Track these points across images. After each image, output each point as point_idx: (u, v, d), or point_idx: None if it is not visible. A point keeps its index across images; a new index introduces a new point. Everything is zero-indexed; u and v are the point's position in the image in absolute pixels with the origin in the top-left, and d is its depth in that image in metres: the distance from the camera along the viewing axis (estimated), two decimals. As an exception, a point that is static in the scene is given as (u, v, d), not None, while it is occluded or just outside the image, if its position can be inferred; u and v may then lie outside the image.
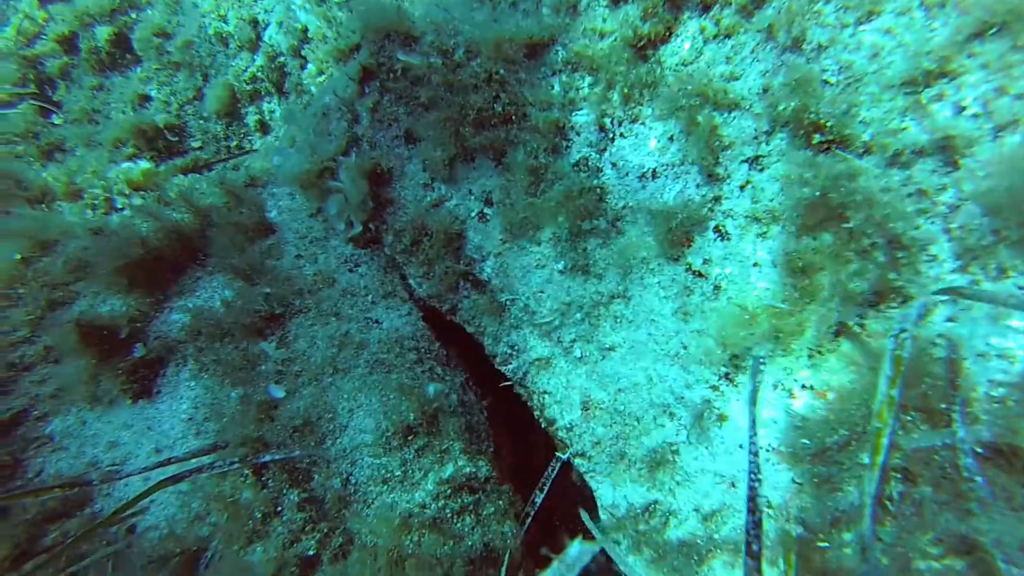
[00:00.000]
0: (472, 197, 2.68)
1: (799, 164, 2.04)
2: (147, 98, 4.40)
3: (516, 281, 2.62)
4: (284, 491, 2.28)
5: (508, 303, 2.64)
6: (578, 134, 2.53)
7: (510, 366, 2.65)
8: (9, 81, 5.08)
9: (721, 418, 2.32)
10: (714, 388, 2.33)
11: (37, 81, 5.06)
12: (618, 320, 2.49)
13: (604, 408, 2.51)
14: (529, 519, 2.58)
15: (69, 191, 3.86)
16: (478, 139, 2.51)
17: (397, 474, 2.31)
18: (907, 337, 1.73)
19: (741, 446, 2.27)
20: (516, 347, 2.64)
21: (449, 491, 2.31)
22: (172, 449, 2.53)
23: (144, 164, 3.48)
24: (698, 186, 2.33)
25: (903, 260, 1.94)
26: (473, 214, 2.68)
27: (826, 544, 1.97)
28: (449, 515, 2.29)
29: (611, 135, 2.49)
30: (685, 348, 2.38)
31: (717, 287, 2.30)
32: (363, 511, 2.26)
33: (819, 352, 2.14)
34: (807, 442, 2.08)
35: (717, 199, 2.29)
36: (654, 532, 2.44)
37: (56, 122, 4.66)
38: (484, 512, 2.37)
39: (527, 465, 3.15)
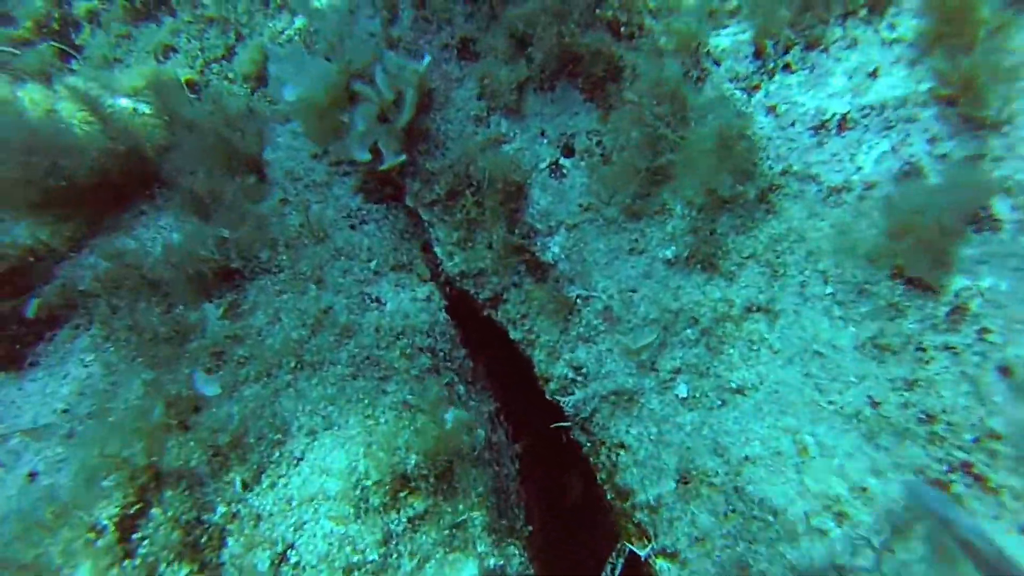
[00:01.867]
0: (544, 141, 1.68)
1: None
2: (173, 50, 3.71)
3: (595, 269, 1.59)
4: (165, 563, 1.18)
5: (579, 301, 1.60)
6: (717, 63, 1.55)
7: (571, 398, 1.57)
8: (33, 18, 4.47)
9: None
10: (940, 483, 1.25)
11: (62, 21, 4.45)
12: (755, 346, 1.44)
13: (717, 484, 1.42)
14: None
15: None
16: (584, 41, 1.53)
17: (372, 559, 1.21)
18: None
19: (980, 594, 1.17)
20: (584, 370, 1.57)
21: (458, 603, 1.21)
22: (19, 456, 1.44)
23: (145, 108, 2.57)
24: (930, 142, 1.31)
25: None
26: (543, 165, 1.67)
27: None
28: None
29: (771, 66, 1.50)
30: (875, 405, 1.31)
31: (960, 310, 1.25)
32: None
33: None
34: None
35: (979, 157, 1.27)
36: None
37: (75, 68, 3.98)
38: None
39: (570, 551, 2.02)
